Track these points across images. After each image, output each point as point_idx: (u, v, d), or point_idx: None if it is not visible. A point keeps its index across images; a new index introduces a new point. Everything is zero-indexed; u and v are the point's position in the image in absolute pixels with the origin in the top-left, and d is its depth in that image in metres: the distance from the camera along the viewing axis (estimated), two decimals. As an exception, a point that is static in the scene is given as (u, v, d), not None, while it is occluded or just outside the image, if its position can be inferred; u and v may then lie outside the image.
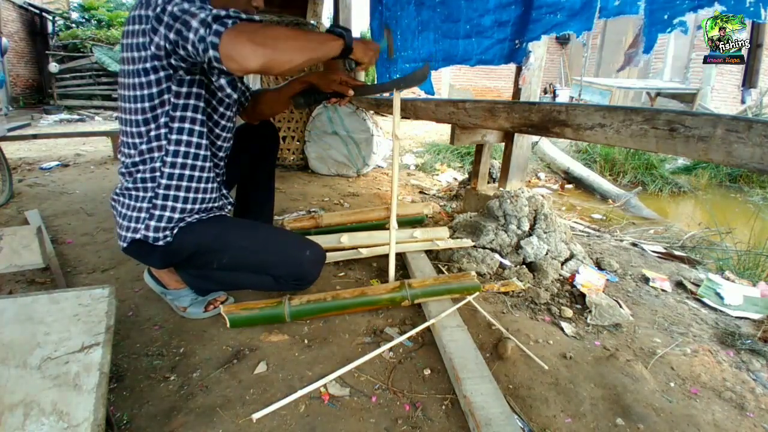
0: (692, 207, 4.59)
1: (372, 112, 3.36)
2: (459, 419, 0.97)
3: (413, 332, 1.24)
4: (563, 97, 9.27)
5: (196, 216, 1.20)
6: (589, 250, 2.02)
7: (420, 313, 1.38)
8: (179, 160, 1.12)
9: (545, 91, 10.35)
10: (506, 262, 1.70)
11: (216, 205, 1.27)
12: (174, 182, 1.13)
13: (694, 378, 1.19)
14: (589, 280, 1.60)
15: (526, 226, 1.77)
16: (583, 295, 1.50)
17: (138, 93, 1.05)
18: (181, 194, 1.15)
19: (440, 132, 6.25)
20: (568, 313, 1.44)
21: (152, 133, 1.09)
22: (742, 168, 1.00)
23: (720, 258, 2.29)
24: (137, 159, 1.11)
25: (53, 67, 7.88)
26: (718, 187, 5.19)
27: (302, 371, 1.10)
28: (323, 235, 1.76)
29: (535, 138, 4.47)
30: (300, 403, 0.99)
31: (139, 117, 1.07)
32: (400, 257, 1.70)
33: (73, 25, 9.62)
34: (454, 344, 1.14)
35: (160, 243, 1.15)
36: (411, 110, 2.18)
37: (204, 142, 1.16)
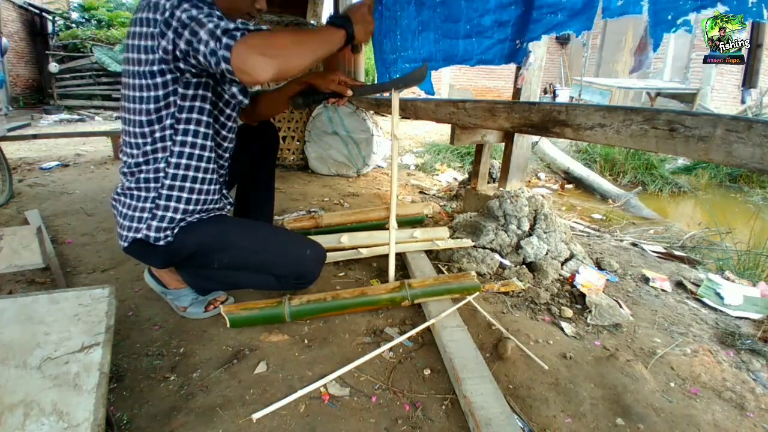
0: (692, 207, 4.59)
1: (372, 112, 3.36)
2: (459, 419, 0.97)
3: (413, 332, 1.24)
4: (563, 97, 9.27)
5: (197, 216, 1.21)
6: (589, 250, 2.02)
7: (420, 313, 1.38)
8: (183, 161, 1.13)
9: (545, 91, 10.35)
10: (506, 262, 1.70)
11: (217, 206, 1.27)
12: (177, 183, 1.14)
13: (694, 378, 1.19)
14: (589, 280, 1.60)
15: (526, 226, 1.77)
16: (583, 295, 1.50)
17: (144, 94, 1.05)
18: (184, 195, 1.15)
19: (440, 132, 6.25)
20: (568, 313, 1.44)
21: (157, 134, 1.09)
22: (742, 168, 1.00)
23: (720, 258, 2.29)
24: (140, 159, 1.12)
25: (53, 67, 7.88)
26: (718, 187, 5.19)
27: (302, 371, 1.10)
28: (323, 235, 1.75)
29: (535, 138, 4.47)
30: (300, 403, 0.99)
31: (144, 118, 1.07)
32: (400, 257, 1.70)
33: (73, 25, 9.61)
34: (454, 344, 1.14)
35: (161, 243, 1.16)
36: (411, 110, 2.18)
37: (209, 143, 1.16)
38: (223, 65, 0.90)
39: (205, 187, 1.19)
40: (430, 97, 2.09)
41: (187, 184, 1.15)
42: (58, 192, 2.63)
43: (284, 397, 0.99)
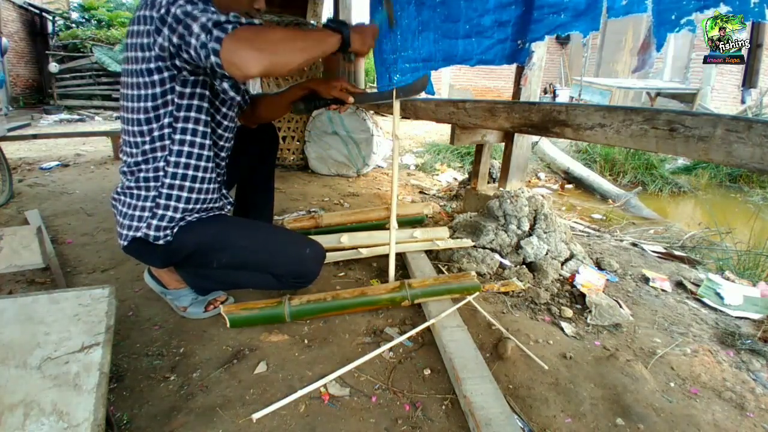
0: (692, 207, 4.59)
1: (372, 112, 3.36)
2: (459, 419, 0.97)
3: (413, 332, 1.24)
4: (563, 97, 9.27)
5: (197, 215, 1.21)
6: (589, 250, 2.02)
7: (420, 313, 1.38)
8: (182, 159, 1.13)
9: (545, 91, 10.35)
10: (506, 262, 1.70)
11: (216, 205, 1.27)
12: (177, 182, 1.14)
13: (694, 378, 1.19)
14: (589, 280, 1.60)
15: (526, 226, 1.77)
16: (583, 295, 1.50)
17: (141, 92, 1.05)
18: (184, 194, 1.15)
19: (440, 132, 6.25)
20: (568, 313, 1.44)
21: (155, 133, 1.09)
22: (742, 168, 1.00)
23: (720, 258, 2.29)
24: (140, 158, 1.12)
25: (53, 67, 7.88)
26: (718, 187, 5.19)
27: (302, 371, 1.10)
28: (323, 235, 1.75)
29: (535, 138, 4.47)
30: (300, 403, 0.99)
31: (142, 116, 1.07)
32: (400, 257, 1.70)
33: (73, 25, 9.61)
34: (454, 344, 1.14)
35: (161, 242, 1.16)
36: (411, 110, 2.18)
37: (207, 142, 1.16)
38: (213, 58, 0.88)
39: (205, 186, 1.19)
40: (430, 97, 2.09)
41: (187, 183, 1.15)
42: (58, 192, 2.63)
43: (284, 397, 0.99)
